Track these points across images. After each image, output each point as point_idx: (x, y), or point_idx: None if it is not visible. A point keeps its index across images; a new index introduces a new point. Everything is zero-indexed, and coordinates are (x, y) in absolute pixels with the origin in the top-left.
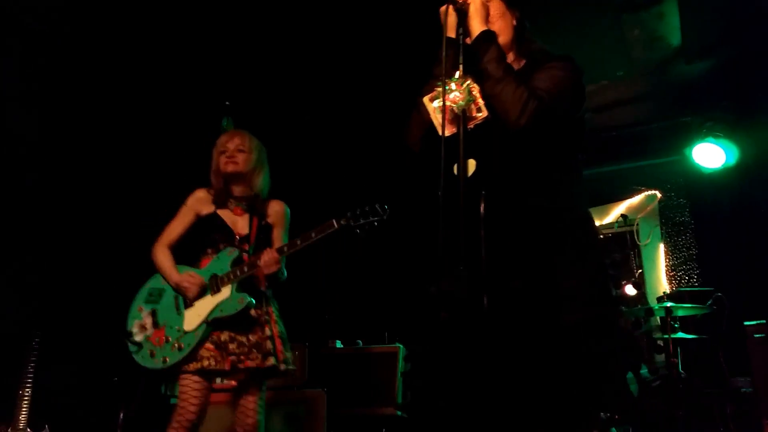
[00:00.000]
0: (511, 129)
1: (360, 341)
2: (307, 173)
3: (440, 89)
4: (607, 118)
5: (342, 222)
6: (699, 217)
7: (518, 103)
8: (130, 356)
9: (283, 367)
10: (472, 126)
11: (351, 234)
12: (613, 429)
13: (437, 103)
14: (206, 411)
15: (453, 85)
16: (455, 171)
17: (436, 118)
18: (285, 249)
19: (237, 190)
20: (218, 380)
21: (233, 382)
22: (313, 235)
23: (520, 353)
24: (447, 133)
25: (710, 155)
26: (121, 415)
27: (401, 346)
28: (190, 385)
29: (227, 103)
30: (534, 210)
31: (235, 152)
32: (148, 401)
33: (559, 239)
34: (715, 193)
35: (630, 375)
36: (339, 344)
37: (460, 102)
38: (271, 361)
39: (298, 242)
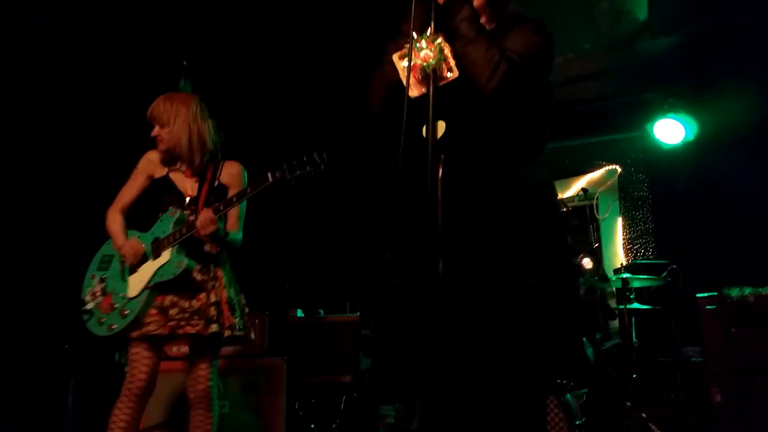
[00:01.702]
0: (481, 91)
1: (321, 310)
2: (272, 131)
3: (409, 47)
4: (571, 92)
5: (277, 175)
6: (656, 192)
7: (489, 64)
8: (83, 324)
9: (227, 333)
10: (440, 86)
11: (287, 187)
12: (569, 395)
13: (407, 62)
14: (155, 379)
15: (423, 43)
16: (424, 133)
17: (405, 77)
18: (221, 207)
19: (185, 154)
20: (174, 349)
21: (186, 349)
22: (248, 190)
23: (477, 317)
24: (415, 93)
25: (670, 131)
26: (72, 382)
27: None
28: (137, 353)
29: (184, 63)
30: (496, 174)
31: (157, 132)
32: (102, 369)
33: (520, 204)
34: (673, 169)
35: (585, 341)
36: (300, 313)
37: (431, 61)
38: (214, 328)
39: (234, 199)
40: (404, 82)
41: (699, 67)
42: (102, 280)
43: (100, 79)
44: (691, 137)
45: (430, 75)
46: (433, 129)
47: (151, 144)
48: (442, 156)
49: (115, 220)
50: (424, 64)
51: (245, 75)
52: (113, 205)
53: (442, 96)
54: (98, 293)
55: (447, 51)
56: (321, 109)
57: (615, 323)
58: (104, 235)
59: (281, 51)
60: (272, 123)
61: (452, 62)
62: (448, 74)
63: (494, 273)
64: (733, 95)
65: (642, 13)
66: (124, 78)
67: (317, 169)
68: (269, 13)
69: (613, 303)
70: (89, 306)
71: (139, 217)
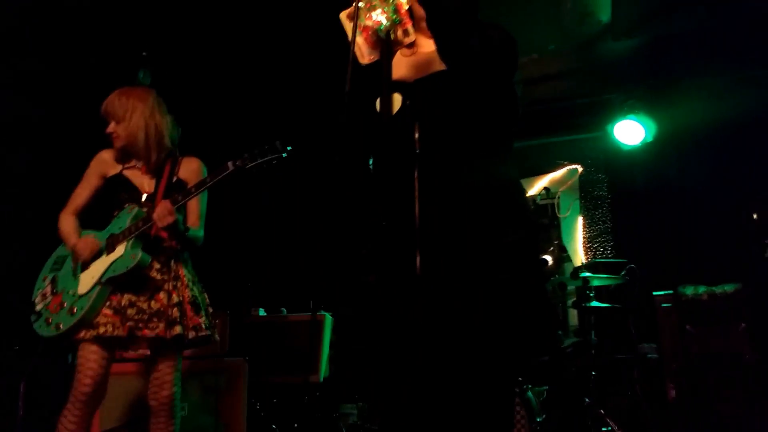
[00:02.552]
0: (449, 62)
1: (284, 309)
2: (233, 125)
3: (361, 5)
4: (534, 92)
5: (237, 163)
6: (615, 191)
7: (460, 34)
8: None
9: (192, 334)
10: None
11: (247, 175)
12: (530, 392)
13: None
14: (105, 384)
15: (376, 2)
16: (377, 106)
17: (352, 40)
18: (179, 198)
19: (141, 150)
20: (130, 350)
21: (147, 351)
22: (207, 180)
23: (451, 313)
24: (367, 61)
25: (630, 132)
26: (23, 388)
27: (327, 314)
28: (85, 356)
29: (144, 54)
30: (470, 169)
31: (112, 129)
32: (54, 373)
33: (493, 199)
34: (632, 169)
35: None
36: (262, 312)
37: (385, 22)
38: (177, 330)
39: (193, 189)
40: (351, 45)
41: (658, 70)
42: (53, 281)
43: (50, 75)
44: (650, 138)
45: (383, 39)
46: (389, 103)
47: (106, 142)
48: (417, 151)
49: (67, 222)
50: (377, 27)
51: (205, 67)
52: (66, 208)
53: (414, 89)
54: (48, 294)
55: (403, 11)
56: (282, 100)
57: (574, 321)
58: (58, 239)
59: (241, 42)
60: (233, 117)
61: (409, 24)
62: (405, 38)
63: (468, 268)
64: (690, 97)
65: (605, 15)
66: (77, 71)
67: (278, 158)
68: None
69: (573, 300)
70: (38, 307)
71: (94, 218)
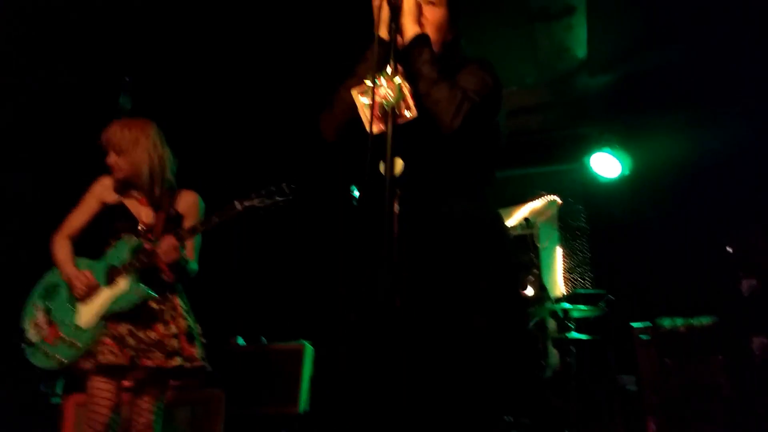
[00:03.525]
0: (444, 129)
1: (264, 338)
2: (220, 157)
3: (370, 84)
4: (513, 124)
5: (246, 203)
6: (594, 223)
7: (452, 104)
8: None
9: (189, 365)
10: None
11: (255, 215)
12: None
13: (367, 99)
14: (120, 411)
15: (383, 82)
16: (381, 169)
17: (365, 114)
18: (184, 235)
19: (145, 184)
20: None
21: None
22: (215, 218)
23: (430, 356)
24: (376, 131)
25: (606, 165)
26: None
27: (306, 343)
28: (96, 386)
29: (127, 79)
30: (450, 210)
31: (114, 161)
32: (27, 400)
33: (472, 240)
34: (609, 201)
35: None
36: (241, 341)
37: (391, 99)
38: (177, 361)
39: (199, 227)
40: (364, 118)
41: (633, 105)
42: (47, 311)
43: (36, 94)
44: (627, 171)
45: (389, 113)
46: (392, 166)
47: (103, 168)
48: (398, 191)
49: (62, 247)
50: (384, 102)
51: (188, 93)
52: (60, 231)
53: (400, 133)
54: (43, 324)
55: (406, 90)
56: (266, 135)
57: (556, 355)
58: (47, 262)
59: (228, 78)
60: (219, 145)
61: (411, 101)
62: (407, 113)
63: (448, 309)
64: (665, 132)
65: (581, 51)
66: (62, 95)
67: (286, 200)
68: (215, 38)
69: (554, 333)
70: (33, 339)
71: (86, 243)
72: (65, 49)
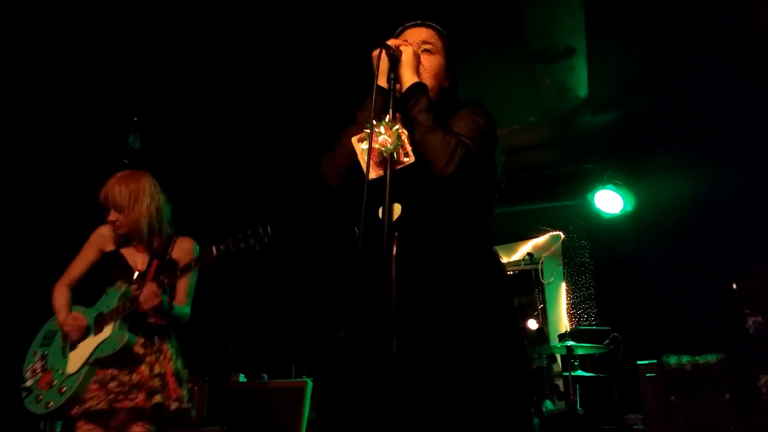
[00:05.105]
0: (438, 175)
1: (265, 375)
2: (221, 199)
3: (369, 131)
4: (516, 161)
5: (221, 248)
6: (598, 258)
7: (447, 151)
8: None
9: (175, 405)
10: (397, 169)
11: (229, 256)
12: None
13: (366, 145)
14: None
15: (382, 129)
16: (380, 215)
17: (364, 160)
18: (165, 281)
19: (144, 237)
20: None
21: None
22: (192, 264)
23: (428, 399)
24: (372, 176)
25: (610, 201)
26: None
27: (308, 380)
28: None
29: (135, 119)
30: (448, 252)
31: (114, 218)
32: None
33: (470, 283)
34: (613, 237)
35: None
36: (242, 378)
37: (389, 146)
38: (157, 399)
39: (177, 273)
40: (362, 164)
41: (635, 142)
42: (43, 357)
43: (35, 138)
44: (630, 208)
45: (387, 159)
46: (390, 211)
47: (99, 214)
48: (396, 234)
49: (61, 295)
50: (382, 148)
51: (193, 130)
52: (61, 280)
53: (398, 178)
54: (38, 370)
55: (404, 137)
56: (268, 175)
57: (561, 394)
58: (50, 310)
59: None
60: (222, 191)
61: (409, 148)
62: (405, 159)
63: (447, 352)
64: (668, 169)
65: (582, 91)
66: (66, 137)
67: (261, 243)
68: (225, 82)
69: (558, 372)
70: (29, 383)
71: (87, 292)
72: (73, 91)
